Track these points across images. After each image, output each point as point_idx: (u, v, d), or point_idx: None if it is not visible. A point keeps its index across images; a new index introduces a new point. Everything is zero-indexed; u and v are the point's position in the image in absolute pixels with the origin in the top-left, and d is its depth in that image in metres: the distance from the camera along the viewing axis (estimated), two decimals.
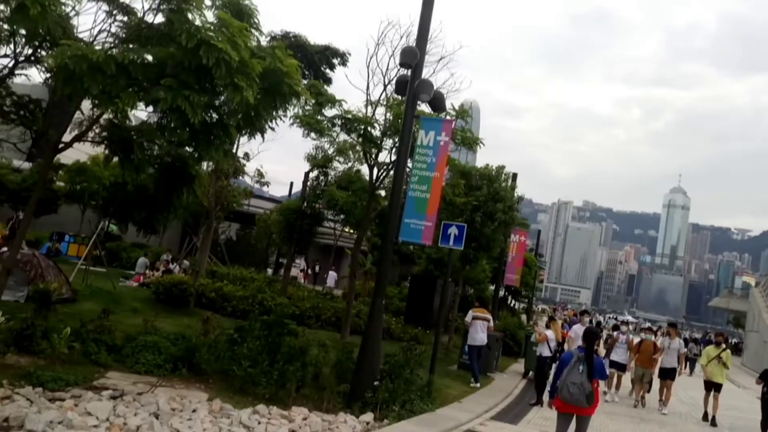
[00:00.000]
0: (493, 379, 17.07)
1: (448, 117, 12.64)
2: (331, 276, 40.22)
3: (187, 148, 11.55)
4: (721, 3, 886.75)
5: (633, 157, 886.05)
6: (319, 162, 21.15)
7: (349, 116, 14.94)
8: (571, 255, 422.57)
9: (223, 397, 10.30)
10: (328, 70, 30.27)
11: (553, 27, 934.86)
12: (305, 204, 21.78)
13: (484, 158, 23.63)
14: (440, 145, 11.58)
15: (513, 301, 48.00)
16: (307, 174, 22.03)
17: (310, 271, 49.36)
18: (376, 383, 11.10)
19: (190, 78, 8.57)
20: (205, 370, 11.43)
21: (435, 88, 11.94)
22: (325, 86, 28.13)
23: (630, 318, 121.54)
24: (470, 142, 16.09)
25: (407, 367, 11.98)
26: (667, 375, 16.72)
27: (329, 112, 15.76)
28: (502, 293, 48.02)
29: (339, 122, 15.26)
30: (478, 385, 15.17)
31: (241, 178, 27.48)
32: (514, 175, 26.02)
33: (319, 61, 29.35)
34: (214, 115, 9.63)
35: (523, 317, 43.72)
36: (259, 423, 9.03)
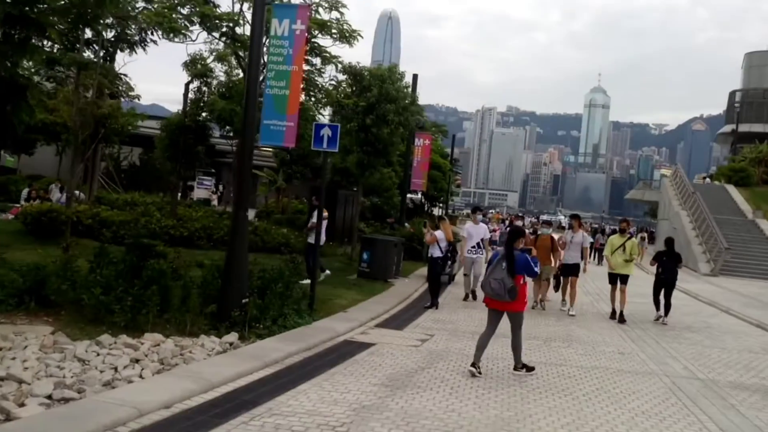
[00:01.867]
0: (392, 285, 16.52)
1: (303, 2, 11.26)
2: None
3: None
4: None
5: (554, 60, 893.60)
6: (198, 71, 19.62)
7: (208, 13, 13.43)
8: (497, 160, 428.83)
9: (72, 328, 9.29)
10: None
11: None
12: (186, 118, 20.26)
13: (406, 70, 22.54)
14: (296, 35, 10.39)
15: (430, 208, 47.81)
16: (187, 85, 20.42)
17: (222, 191, 47.88)
18: (244, 300, 10.26)
19: None
20: (57, 301, 10.34)
21: None
22: None
23: (562, 218, 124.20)
24: (347, 35, 14.83)
25: (282, 281, 11.17)
26: (570, 271, 15.12)
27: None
28: (418, 200, 47.89)
29: (197, 20, 13.75)
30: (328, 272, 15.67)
31: (126, 99, 25.69)
32: (415, 76, 25.01)
33: None
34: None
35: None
36: (97, 355, 8.08)
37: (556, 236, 15.99)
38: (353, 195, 22.17)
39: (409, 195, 49.79)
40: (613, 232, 41.61)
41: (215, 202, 44.32)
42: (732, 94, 74.51)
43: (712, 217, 36.32)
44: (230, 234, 10.79)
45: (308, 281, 12.72)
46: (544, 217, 57.96)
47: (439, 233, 14.02)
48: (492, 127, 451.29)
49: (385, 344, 9.93)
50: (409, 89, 20.43)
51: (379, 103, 18.92)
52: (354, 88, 19.63)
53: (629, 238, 14.79)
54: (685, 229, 38.41)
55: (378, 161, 20.40)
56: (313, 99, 15.80)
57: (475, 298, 15.17)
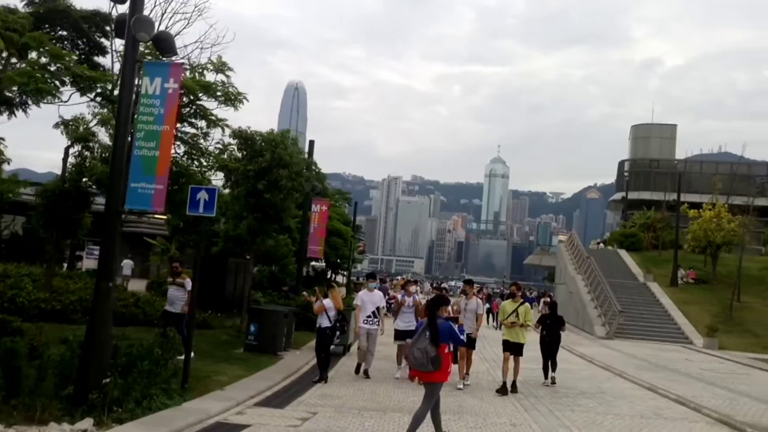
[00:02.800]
0: (281, 358, 15.64)
1: (178, 61, 10.69)
2: (127, 264, 37.05)
3: None
4: None
5: (456, 131, 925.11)
6: (79, 135, 18.55)
7: (80, 73, 12.63)
8: (403, 228, 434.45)
9: None
10: (103, 39, 27.11)
11: (373, 5, 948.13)
12: (65, 183, 19.02)
13: (312, 138, 22.18)
14: (168, 93, 9.78)
15: (332, 275, 47.06)
16: (66, 149, 19.26)
17: None
18: (105, 381, 9.25)
19: None
20: None
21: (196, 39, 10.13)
22: (99, 56, 25.28)
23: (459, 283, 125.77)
24: (232, 98, 14.32)
25: (151, 357, 10.22)
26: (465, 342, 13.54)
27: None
28: (320, 267, 47.13)
29: (68, 80, 12.92)
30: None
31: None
32: (311, 142, 24.74)
33: (89, 29, 26.09)
34: None
35: (343, 290, 43.05)
36: None
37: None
38: (245, 263, 21.30)
39: (313, 263, 49.14)
40: (503, 295, 42.07)
41: None
42: (621, 163, 78.37)
43: (606, 281, 37.31)
44: (91, 307, 9.82)
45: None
46: (451, 284, 58.03)
47: (327, 302, 13.37)
48: (398, 196, 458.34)
49: (262, 425, 9.11)
50: (304, 154, 20.02)
51: (272, 168, 18.40)
52: (245, 153, 19.08)
53: (522, 303, 13.71)
54: (580, 292, 39.28)
55: (270, 227, 19.76)
56: (196, 164, 15.06)
57: (367, 376, 14.04)
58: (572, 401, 13.11)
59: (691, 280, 41.81)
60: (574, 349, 24.53)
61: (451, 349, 8.50)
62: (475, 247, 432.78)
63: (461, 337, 8.34)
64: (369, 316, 14.36)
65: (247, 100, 14.64)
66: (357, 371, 14.38)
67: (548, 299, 37.11)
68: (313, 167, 25.74)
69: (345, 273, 49.31)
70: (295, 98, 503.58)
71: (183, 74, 10.23)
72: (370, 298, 14.52)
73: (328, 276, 45.82)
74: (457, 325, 8.29)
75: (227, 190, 19.69)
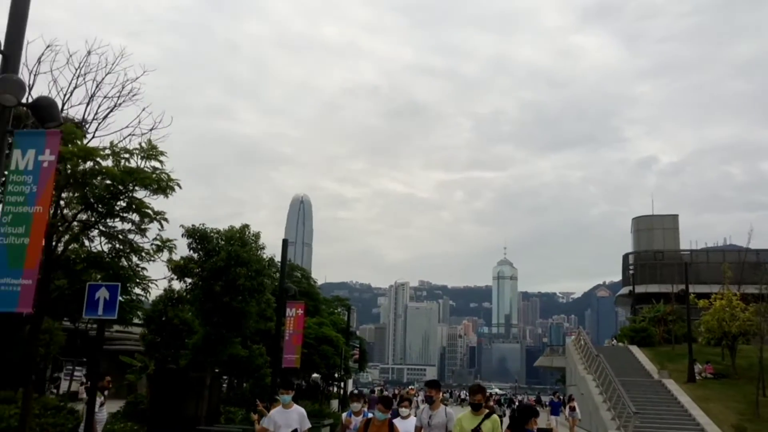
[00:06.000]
0: None
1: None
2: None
3: None
4: (519, 92, 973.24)
5: (461, 236, 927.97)
6: None
7: None
8: (413, 334, 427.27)
9: None
10: None
11: (373, 122, 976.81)
12: None
13: (319, 250, 20.68)
14: (43, 167, 8.10)
15: (325, 388, 44.18)
16: None
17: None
18: None
19: None
20: None
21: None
22: None
23: (497, 390, 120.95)
24: (164, 186, 12.65)
25: None
26: None
27: None
28: (317, 379, 44.32)
29: None
30: None
31: None
32: (284, 241, 22.96)
33: None
34: None
35: (335, 402, 40.11)
36: None
37: (409, 420, 10.17)
38: (201, 377, 19.02)
39: (315, 374, 46.35)
40: (509, 403, 37.99)
41: (84, 395, 39.55)
42: (626, 257, 76.38)
43: (618, 379, 34.55)
44: None
45: None
46: (496, 390, 54.53)
47: (270, 420, 11.05)
48: (406, 302, 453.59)
49: None
50: (264, 250, 18.15)
51: (229, 268, 16.58)
52: (200, 252, 17.30)
53: (488, 416, 8.80)
54: (591, 393, 36.43)
55: (231, 335, 17.67)
56: (125, 263, 13.26)
57: None
58: None
59: (710, 375, 38.90)
60: None
61: None
62: (488, 351, 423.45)
63: None
64: None
65: (180, 186, 12.93)
66: None
67: (574, 404, 33.53)
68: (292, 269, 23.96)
69: (341, 384, 46.44)
70: (300, 211, 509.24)
71: (60, 143, 8.53)
72: (284, 419, 9.93)
73: (321, 389, 43.02)
74: None
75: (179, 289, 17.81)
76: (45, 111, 8.44)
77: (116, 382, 38.25)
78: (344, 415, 12.30)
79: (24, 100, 8.30)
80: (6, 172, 8.27)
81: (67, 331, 32.88)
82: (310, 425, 10.02)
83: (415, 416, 10.41)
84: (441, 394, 10.54)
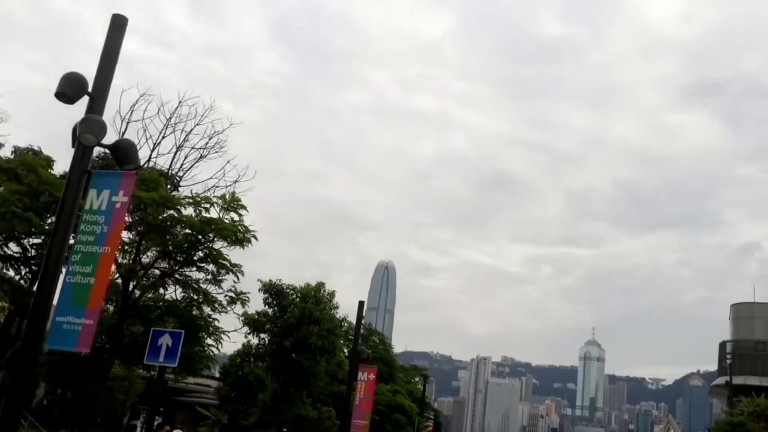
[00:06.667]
0: None
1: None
2: None
3: None
4: (613, 169, 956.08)
5: (547, 312, 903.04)
6: None
7: None
8: (492, 410, 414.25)
9: None
10: None
11: (462, 192, 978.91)
12: None
13: (401, 317, 20.36)
14: (116, 208, 8.12)
15: None
16: None
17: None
18: None
19: None
20: None
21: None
22: None
23: None
24: (240, 237, 12.61)
25: None
26: None
27: None
28: None
29: None
30: None
31: None
32: (360, 303, 22.59)
33: None
34: None
35: None
36: None
37: None
38: None
39: None
40: None
41: None
42: (722, 345, 71.81)
43: None
44: None
45: None
46: None
47: None
48: (487, 377, 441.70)
49: None
50: (337, 310, 17.82)
51: (301, 325, 16.34)
52: (275, 308, 17.16)
53: None
54: None
55: (298, 394, 17.27)
56: (196, 312, 13.20)
57: None
58: None
59: None
60: None
61: None
62: None
63: None
64: None
65: (256, 239, 12.87)
66: None
67: None
68: (365, 332, 23.49)
69: None
70: (384, 277, 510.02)
71: (135, 185, 8.55)
72: None
73: None
74: None
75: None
76: (123, 153, 8.53)
77: None
78: None
79: None
80: (80, 212, 8.31)
81: (146, 380, 33.40)
82: None
83: None
84: None
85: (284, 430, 19.63)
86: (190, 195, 12.70)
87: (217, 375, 35.35)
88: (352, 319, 21.91)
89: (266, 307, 17.06)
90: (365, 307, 18.73)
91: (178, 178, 20.20)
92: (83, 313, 7.80)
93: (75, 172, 8.19)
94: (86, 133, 7.97)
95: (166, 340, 9.31)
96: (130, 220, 13.58)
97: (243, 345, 20.03)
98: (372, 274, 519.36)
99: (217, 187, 16.16)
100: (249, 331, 16.86)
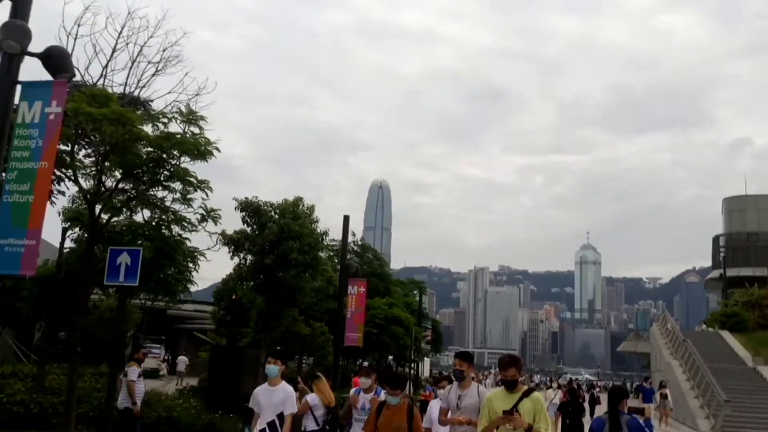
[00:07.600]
0: None
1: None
2: (182, 361, 35.60)
3: None
4: (604, 75, 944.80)
5: (541, 220, 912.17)
6: (74, 214, 16.73)
7: None
8: (493, 319, 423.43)
9: None
10: None
11: (452, 107, 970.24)
12: (60, 269, 17.06)
13: (398, 235, 19.81)
14: (49, 120, 7.48)
15: (397, 368, 43.42)
16: (64, 231, 17.44)
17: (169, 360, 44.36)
18: None
19: None
20: None
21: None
22: None
23: (587, 376, 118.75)
24: (202, 150, 12.01)
25: None
26: None
27: None
28: (389, 360, 43.69)
29: None
30: None
31: None
32: (345, 218, 22.22)
33: None
34: None
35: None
36: None
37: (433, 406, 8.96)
38: (257, 355, 18.46)
39: (390, 356, 45.78)
40: (589, 388, 35.08)
41: (164, 372, 40.33)
42: (716, 239, 72.45)
43: (708, 366, 32.38)
44: None
45: None
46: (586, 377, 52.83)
47: (312, 397, 10.28)
48: (486, 287, 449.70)
49: None
50: (317, 224, 17.34)
51: (281, 241, 15.92)
52: (254, 226, 16.72)
53: (527, 394, 6.50)
54: (678, 380, 34.34)
55: (286, 311, 17.05)
56: (166, 233, 12.73)
57: None
58: None
59: None
60: None
61: None
62: (571, 336, 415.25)
63: None
64: (264, 429, 8.16)
65: (219, 150, 12.26)
66: None
67: (666, 392, 30.11)
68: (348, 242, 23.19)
69: (413, 366, 45.63)
70: (379, 196, 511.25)
71: (68, 94, 7.89)
72: (269, 399, 8.22)
73: (393, 369, 42.32)
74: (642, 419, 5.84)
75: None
76: (56, 61, 7.81)
77: (193, 359, 38.79)
78: (352, 392, 10.31)
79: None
80: (12, 126, 7.70)
81: (144, 310, 33.33)
82: (295, 410, 8.32)
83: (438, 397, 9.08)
84: (471, 367, 8.11)
85: (278, 347, 19.48)
86: (142, 110, 12.08)
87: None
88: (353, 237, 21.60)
89: (245, 225, 16.61)
90: (362, 227, 18.13)
91: (150, 101, 19.37)
92: (24, 233, 7.27)
93: (4, 84, 7.53)
94: (8, 40, 7.26)
95: (124, 259, 8.90)
96: (89, 140, 12.97)
97: (234, 269, 19.64)
98: (367, 194, 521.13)
99: (177, 101, 15.39)
100: (229, 251, 16.45)
